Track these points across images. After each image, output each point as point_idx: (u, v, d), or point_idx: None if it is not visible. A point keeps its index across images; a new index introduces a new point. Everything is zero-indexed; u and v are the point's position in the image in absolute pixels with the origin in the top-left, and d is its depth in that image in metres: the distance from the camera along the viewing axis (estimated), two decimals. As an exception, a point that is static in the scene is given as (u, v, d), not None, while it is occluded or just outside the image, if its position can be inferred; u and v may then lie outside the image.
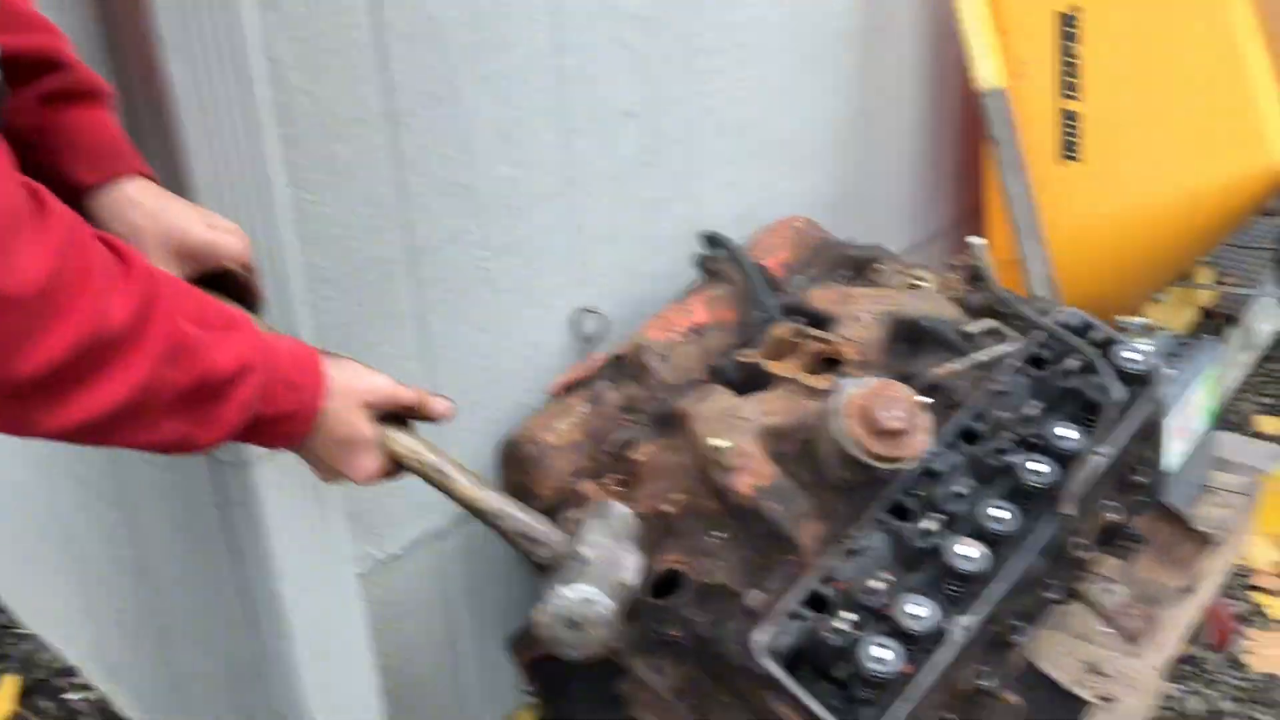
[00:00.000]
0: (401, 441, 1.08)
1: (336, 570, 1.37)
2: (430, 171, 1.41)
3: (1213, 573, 1.98)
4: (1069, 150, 2.23)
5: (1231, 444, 2.40)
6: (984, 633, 1.30)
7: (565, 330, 1.68)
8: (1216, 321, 2.69)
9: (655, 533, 1.39)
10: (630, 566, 1.12)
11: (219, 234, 1.04)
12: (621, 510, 1.17)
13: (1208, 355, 2.08)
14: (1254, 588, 2.29)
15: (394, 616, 1.56)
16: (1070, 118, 2.21)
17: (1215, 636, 2.11)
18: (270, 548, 1.28)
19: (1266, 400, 2.92)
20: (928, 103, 2.33)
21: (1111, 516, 1.48)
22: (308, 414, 0.98)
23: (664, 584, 1.33)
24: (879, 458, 1.26)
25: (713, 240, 1.74)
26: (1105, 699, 1.69)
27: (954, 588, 1.27)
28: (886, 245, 2.28)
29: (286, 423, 0.97)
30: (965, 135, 2.45)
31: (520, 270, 1.57)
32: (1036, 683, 1.40)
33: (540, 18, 1.47)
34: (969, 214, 2.58)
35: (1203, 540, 1.54)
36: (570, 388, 1.58)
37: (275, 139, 1.17)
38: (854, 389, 1.28)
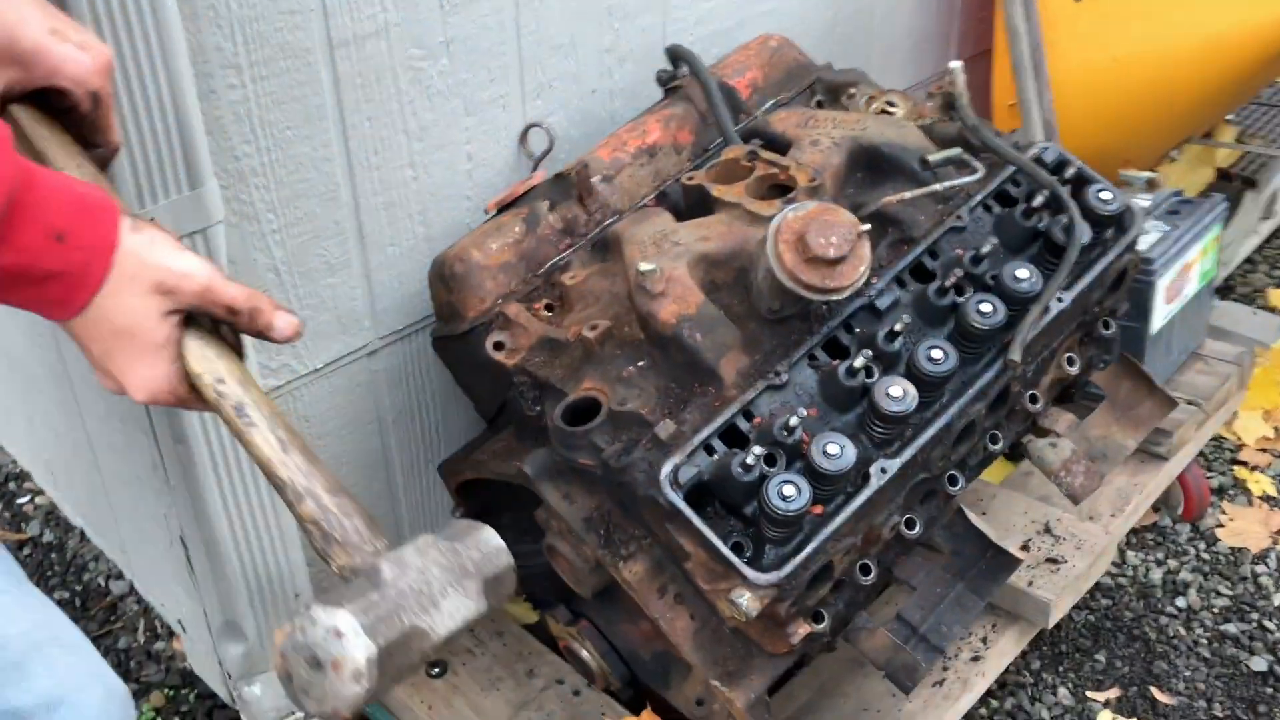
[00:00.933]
0: (197, 356, 0.83)
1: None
2: (351, -46, 1.29)
3: (1190, 441, 1.90)
4: (1088, -17, 2.05)
5: (1233, 313, 2.29)
6: (910, 478, 1.23)
7: (511, 145, 1.57)
8: (1234, 184, 2.53)
9: (575, 359, 1.32)
10: (447, 613, 0.82)
11: (62, 44, 0.85)
12: (494, 545, 0.88)
13: (1210, 215, 1.95)
14: (1238, 462, 2.21)
15: (320, 433, 1.51)
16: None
17: (1187, 507, 2.04)
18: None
19: (1277, 275, 2.78)
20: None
21: (1069, 369, 1.39)
22: (80, 279, 0.76)
23: (579, 411, 1.26)
24: (810, 287, 1.17)
25: (676, 55, 1.62)
26: (1052, 560, 1.64)
27: (880, 430, 1.20)
28: (884, 83, 2.14)
29: (50, 286, 0.76)
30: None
31: (460, 73, 1.46)
32: (966, 534, 1.33)
33: None
34: (983, 57, 2.41)
35: (1166, 401, 1.45)
36: (506, 205, 1.49)
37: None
38: (791, 213, 1.18)
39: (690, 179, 1.40)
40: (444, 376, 1.60)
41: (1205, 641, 1.85)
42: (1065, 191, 1.29)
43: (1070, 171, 1.33)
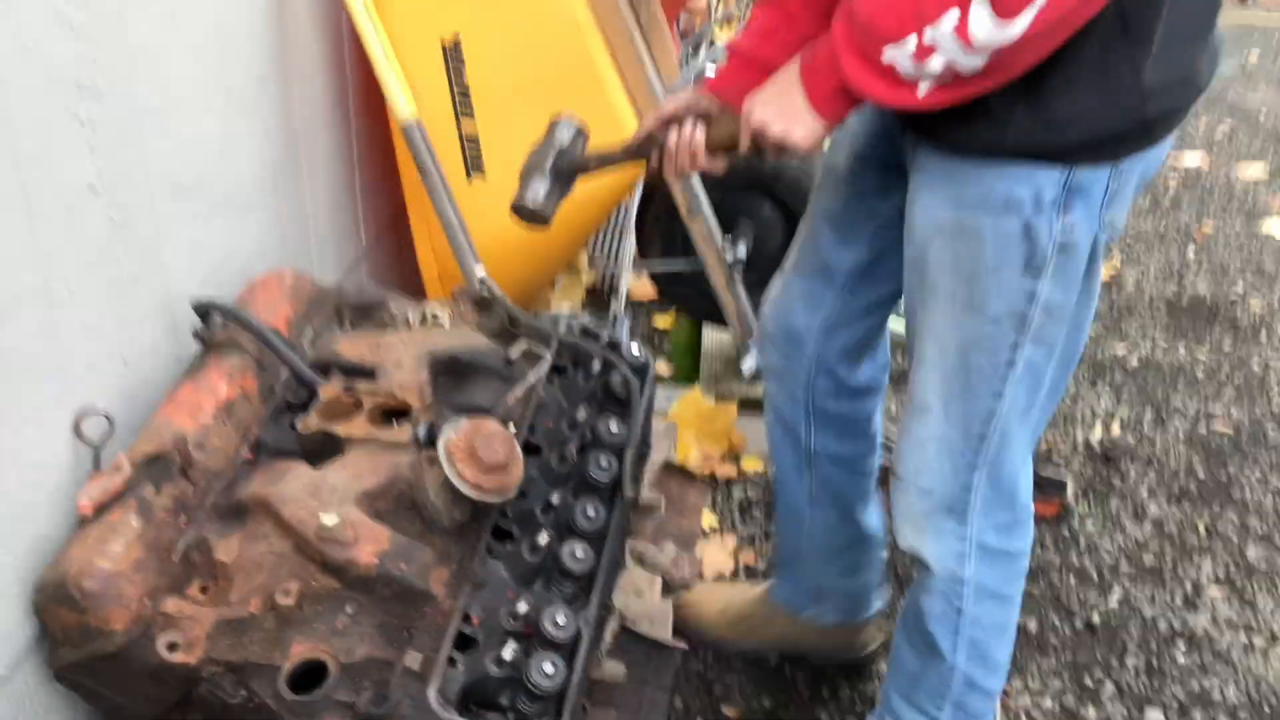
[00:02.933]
0: None
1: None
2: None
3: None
4: (475, 167, 2.43)
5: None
6: (596, 621, 1.47)
7: (69, 442, 1.48)
8: (602, 296, 3.13)
9: (270, 631, 1.33)
10: None
11: None
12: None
13: (622, 326, 2.45)
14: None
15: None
16: (471, 138, 2.41)
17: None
18: None
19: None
20: (341, 133, 2.38)
21: (637, 486, 1.73)
22: None
23: (303, 677, 1.29)
24: (492, 490, 1.35)
25: (207, 309, 1.65)
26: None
27: (568, 587, 1.42)
28: (326, 271, 2.32)
29: None
30: (366, 163, 2.54)
31: (13, 389, 1.36)
32: (630, 644, 1.61)
33: (-12, 96, 1.28)
34: (386, 229, 2.69)
35: (704, 486, 1.87)
36: (106, 504, 1.41)
37: None
38: (452, 434, 1.35)
39: (306, 424, 1.48)
40: (57, 711, 1.45)
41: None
42: (615, 357, 1.63)
43: (605, 337, 1.68)
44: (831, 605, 2.09)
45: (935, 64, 1.24)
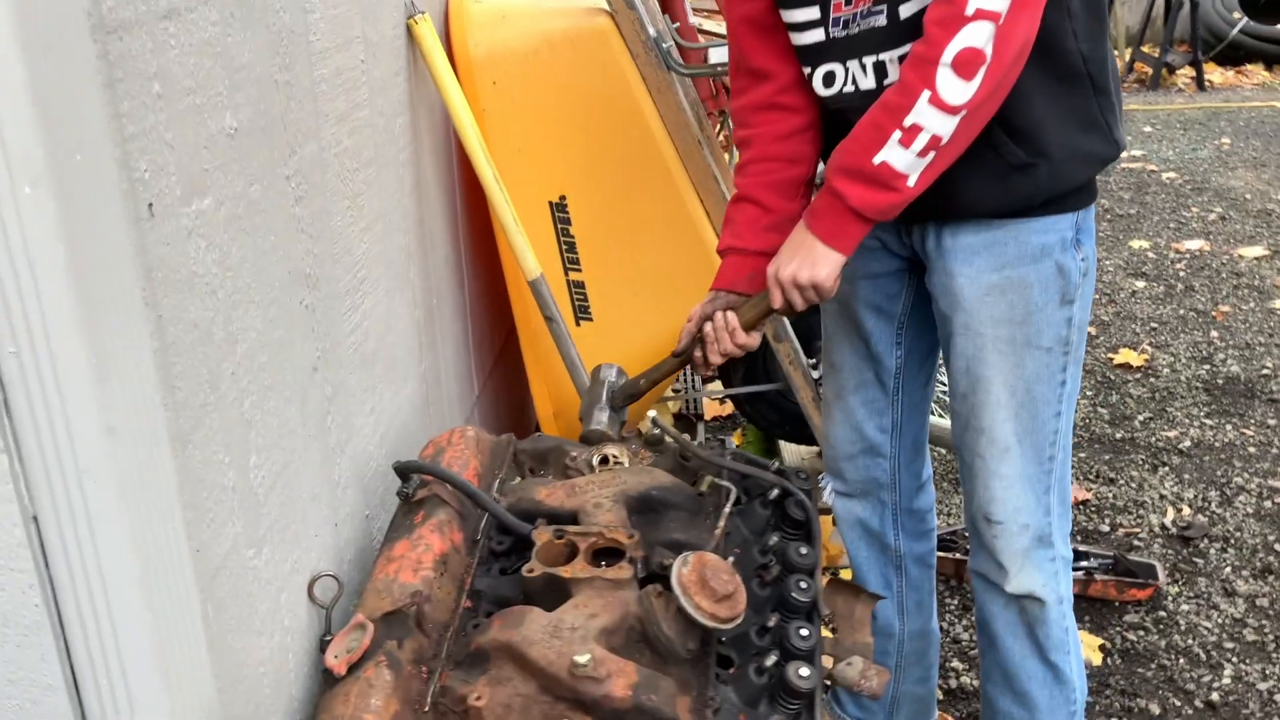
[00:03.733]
0: None
1: None
2: (210, 481, 1.28)
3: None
4: (583, 313, 2.60)
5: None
6: (815, 733, 1.56)
7: (306, 604, 1.58)
8: (690, 420, 3.27)
9: (532, 768, 1.42)
10: None
11: None
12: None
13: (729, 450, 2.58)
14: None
15: None
16: (578, 286, 2.58)
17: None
18: None
19: (709, 472, 3.58)
20: (458, 293, 2.54)
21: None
22: None
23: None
24: (723, 619, 1.46)
25: (407, 470, 1.77)
26: None
27: (792, 705, 1.51)
28: (455, 420, 2.45)
29: None
30: (475, 317, 2.69)
31: (274, 557, 1.47)
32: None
33: (254, 297, 1.42)
34: (490, 376, 2.83)
35: (870, 596, 1.97)
36: (356, 662, 1.51)
37: None
38: (682, 569, 1.47)
39: (530, 570, 1.59)
40: None
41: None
42: (789, 484, 1.76)
43: (772, 466, 1.80)
44: (905, 714, 2.26)
45: (921, 141, 1.52)
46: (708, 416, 3.75)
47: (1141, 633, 2.75)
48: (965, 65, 1.48)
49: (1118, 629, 2.77)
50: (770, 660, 1.49)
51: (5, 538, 0.90)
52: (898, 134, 1.52)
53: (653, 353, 2.69)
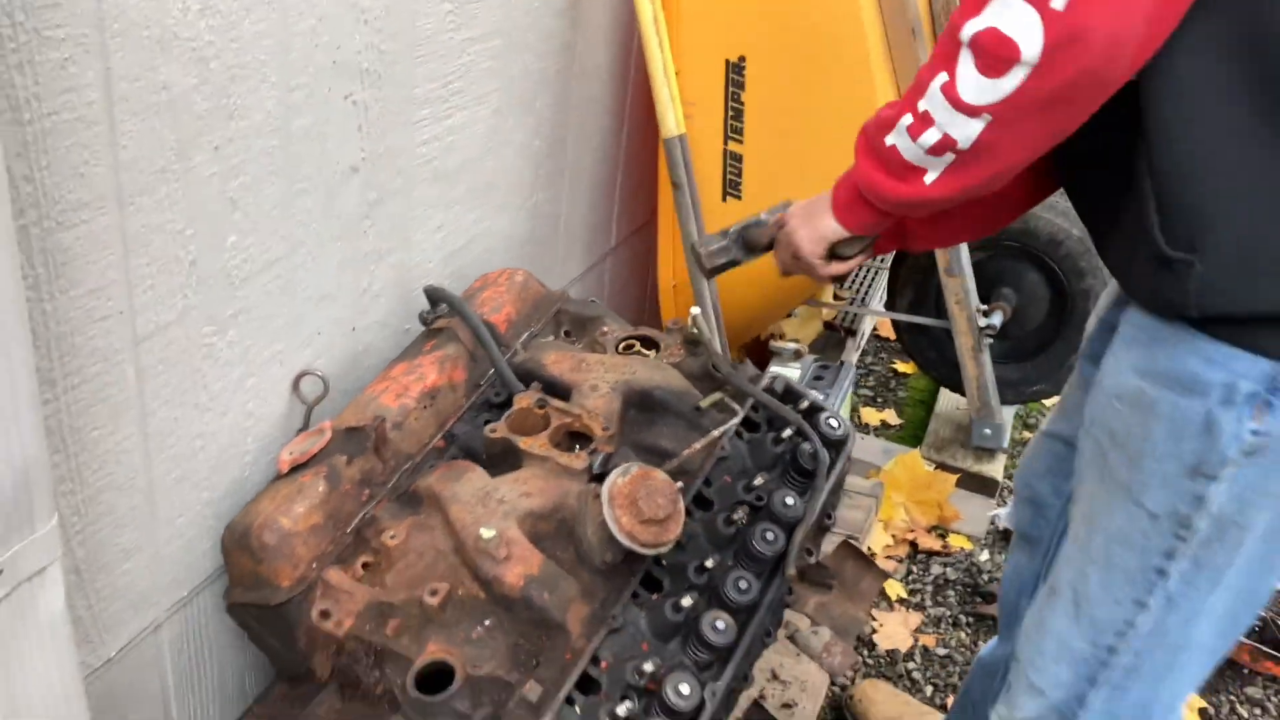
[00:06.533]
0: None
1: (69, 702, 1.23)
2: (157, 251, 1.28)
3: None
4: (732, 189, 2.42)
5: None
6: (730, 691, 1.44)
7: (285, 396, 1.59)
8: (838, 333, 3.06)
9: (413, 622, 1.38)
10: None
11: None
12: None
13: (847, 378, 2.37)
14: (872, 570, 2.67)
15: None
16: (735, 159, 2.39)
17: (850, 621, 2.44)
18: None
19: (865, 392, 3.36)
20: (611, 136, 2.42)
21: (808, 558, 1.67)
22: None
23: (430, 676, 1.33)
24: (646, 544, 1.34)
25: (435, 296, 1.72)
26: (786, 705, 1.92)
27: (704, 655, 1.39)
28: (566, 271, 2.37)
29: None
30: (631, 166, 2.57)
31: (245, 341, 1.47)
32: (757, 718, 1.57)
33: (270, 77, 1.37)
34: (634, 234, 2.72)
35: (881, 574, 1.79)
36: (302, 464, 1.51)
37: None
38: (619, 478, 1.35)
39: (494, 431, 1.52)
40: (221, 633, 1.58)
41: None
42: (808, 426, 1.58)
43: (803, 404, 1.62)
44: None
45: (931, 136, 1.15)
46: (888, 336, 3.49)
47: (1258, 710, 2.38)
48: (988, 55, 1.07)
49: (1232, 698, 2.41)
50: (687, 600, 1.37)
51: None
52: (908, 118, 1.17)
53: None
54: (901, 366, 3.46)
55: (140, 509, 1.37)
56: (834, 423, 1.62)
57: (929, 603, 2.59)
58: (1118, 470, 1.24)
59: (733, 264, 1.55)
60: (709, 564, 1.41)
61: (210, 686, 1.60)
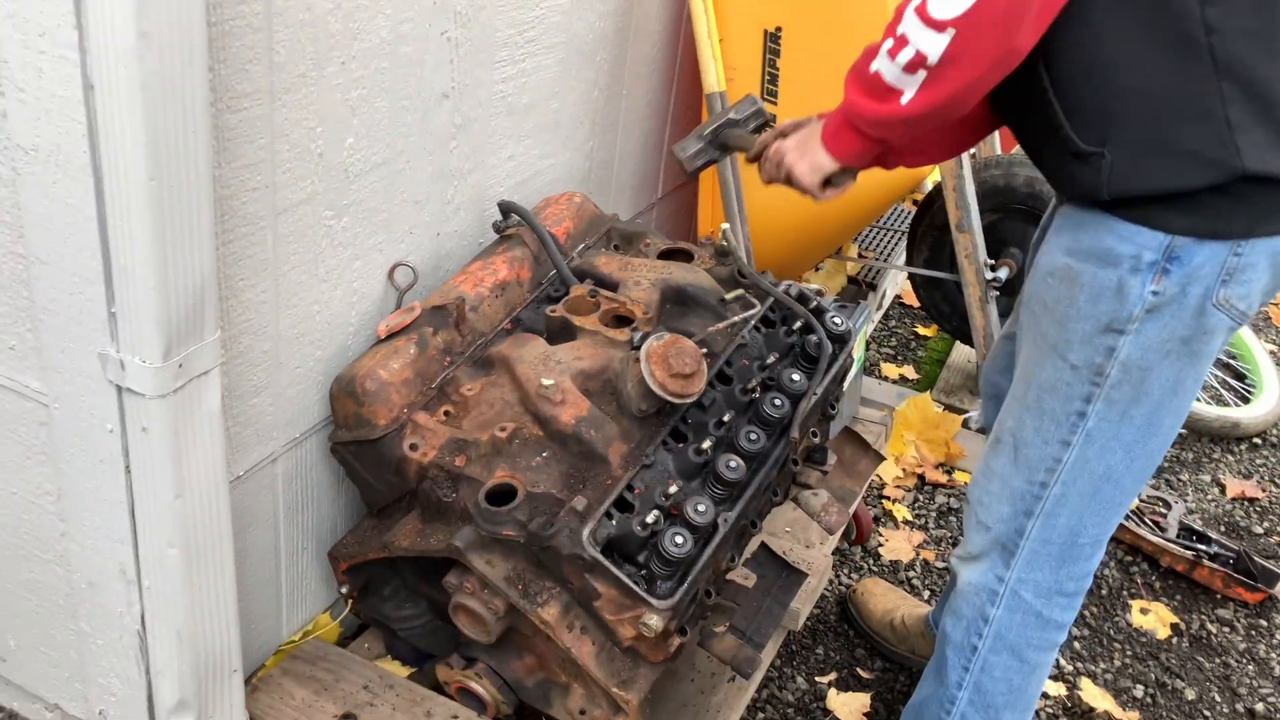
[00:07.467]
0: None
1: (218, 489, 1.56)
2: (296, 141, 1.61)
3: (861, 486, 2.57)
4: (767, 145, 2.72)
5: (868, 385, 3.05)
6: (738, 524, 1.74)
7: (382, 281, 1.92)
8: (860, 286, 3.35)
9: (485, 454, 1.70)
10: None
11: None
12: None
13: (862, 316, 2.66)
14: (884, 497, 2.95)
15: (236, 530, 1.76)
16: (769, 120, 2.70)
17: (859, 533, 2.73)
18: (169, 469, 1.46)
19: (888, 350, 3.65)
20: (661, 94, 2.74)
21: (814, 439, 1.97)
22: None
23: (497, 495, 1.65)
24: (674, 394, 1.65)
25: (508, 208, 2.04)
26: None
27: (719, 491, 1.69)
28: (620, 210, 2.68)
29: None
30: (679, 125, 2.88)
31: (355, 228, 1.80)
32: (768, 561, 1.86)
33: (387, 9, 1.70)
34: (680, 187, 3.03)
35: (877, 457, 2.08)
36: (396, 333, 1.84)
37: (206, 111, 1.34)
38: (654, 341, 1.66)
39: (553, 311, 1.84)
40: (322, 476, 1.91)
41: (882, 631, 2.52)
42: (815, 320, 1.87)
43: (811, 304, 1.92)
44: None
45: (906, 54, 1.38)
46: (912, 304, 3.77)
47: (1226, 629, 2.63)
48: None
49: (1203, 616, 2.66)
50: (707, 444, 1.67)
51: (69, 94, 1.25)
52: (889, 42, 1.41)
53: (826, 212, 2.78)
54: (922, 330, 3.73)
55: (269, 354, 1.70)
56: (838, 320, 1.92)
57: (932, 525, 2.87)
58: (1049, 332, 1.54)
59: (711, 163, 1.86)
60: (725, 418, 1.72)
61: (310, 522, 1.93)
